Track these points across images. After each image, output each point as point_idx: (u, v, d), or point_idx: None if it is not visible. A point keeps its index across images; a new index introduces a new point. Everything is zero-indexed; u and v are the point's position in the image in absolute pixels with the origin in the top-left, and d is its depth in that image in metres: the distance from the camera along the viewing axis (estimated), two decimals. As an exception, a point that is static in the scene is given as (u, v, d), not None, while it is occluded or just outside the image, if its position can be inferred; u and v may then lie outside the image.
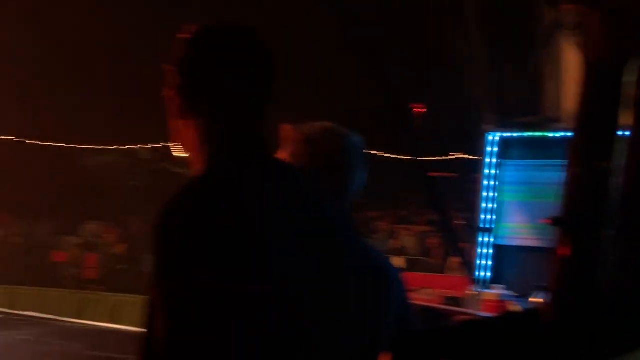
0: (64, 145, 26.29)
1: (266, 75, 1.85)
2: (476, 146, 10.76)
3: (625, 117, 2.17)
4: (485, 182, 10.08)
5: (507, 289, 9.35)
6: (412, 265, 15.09)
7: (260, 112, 1.84)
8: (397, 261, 14.09)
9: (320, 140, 2.40)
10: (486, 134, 10.13)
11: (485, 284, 9.82)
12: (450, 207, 12.77)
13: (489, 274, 9.90)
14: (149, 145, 27.97)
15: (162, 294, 1.60)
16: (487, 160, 10.10)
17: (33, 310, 13.07)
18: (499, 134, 10.09)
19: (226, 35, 1.83)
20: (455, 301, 10.32)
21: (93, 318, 13.54)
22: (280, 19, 15.06)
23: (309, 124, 2.44)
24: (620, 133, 2.18)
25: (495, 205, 10.01)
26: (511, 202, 10.00)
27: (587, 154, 2.18)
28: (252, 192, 1.68)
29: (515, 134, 10.09)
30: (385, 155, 23.82)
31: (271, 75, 1.86)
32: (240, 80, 1.80)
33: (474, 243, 10.21)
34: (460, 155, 24.37)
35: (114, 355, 8.38)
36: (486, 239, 10.00)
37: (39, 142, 26.04)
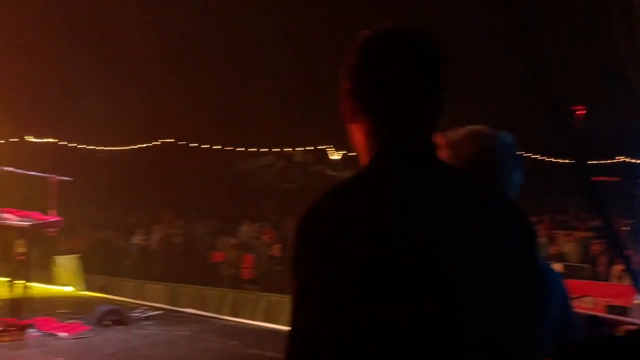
0: (223, 147, 27.04)
1: (437, 78, 1.80)
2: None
3: None
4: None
5: (676, 299, 8.88)
6: (572, 272, 14.57)
7: (430, 115, 1.81)
8: (556, 268, 13.65)
9: (464, 143, 2.41)
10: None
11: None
12: (614, 212, 12.27)
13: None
14: (305, 148, 28.38)
15: (291, 290, 1.66)
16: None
17: (192, 308, 13.45)
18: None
19: (394, 39, 1.80)
20: (619, 310, 9.88)
21: (249, 317, 13.80)
22: (437, 20, 14.88)
23: (455, 130, 2.45)
24: None
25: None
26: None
27: None
28: (399, 194, 1.67)
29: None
30: (547, 159, 23.23)
31: (443, 78, 1.81)
32: (407, 83, 1.77)
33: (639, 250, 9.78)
34: (623, 159, 23.46)
35: (270, 353, 8.47)
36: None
37: (199, 145, 26.89)
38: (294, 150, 28.83)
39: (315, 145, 27.64)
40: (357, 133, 1.84)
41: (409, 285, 1.58)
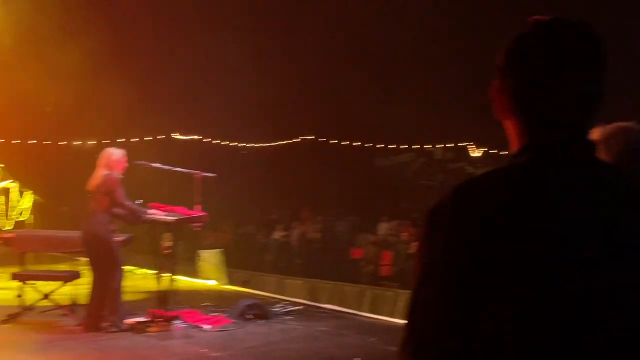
0: (362, 144, 27.12)
1: (594, 74, 1.70)
2: None
3: None
4: None
5: None
6: None
7: (584, 112, 1.71)
8: None
9: (613, 139, 2.33)
10: None
11: None
12: None
13: None
14: (445, 145, 28.11)
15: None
16: None
17: (331, 304, 13.52)
18: None
19: (546, 33, 1.71)
20: None
21: (388, 314, 13.73)
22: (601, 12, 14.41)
23: (602, 126, 2.37)
24: None
25: None
26: None
27: None
28: (535, 189, 1.61)
29: None
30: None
31: (600, 73, 1.71)
32: (557, 79, 1.68)
33: None
34: None
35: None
36: None
37: (339, 142, 27.07)
38: (433, 147, 28.59)
39: (455, 142, 27.34)
40: (509, 129, 1.78)
41: (537, 285, 1.52)
